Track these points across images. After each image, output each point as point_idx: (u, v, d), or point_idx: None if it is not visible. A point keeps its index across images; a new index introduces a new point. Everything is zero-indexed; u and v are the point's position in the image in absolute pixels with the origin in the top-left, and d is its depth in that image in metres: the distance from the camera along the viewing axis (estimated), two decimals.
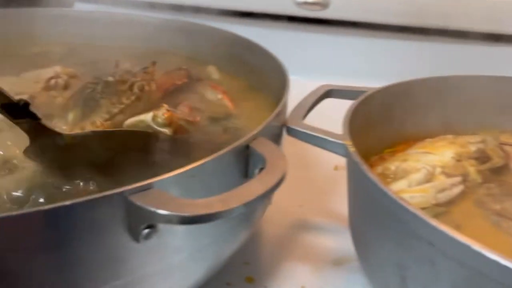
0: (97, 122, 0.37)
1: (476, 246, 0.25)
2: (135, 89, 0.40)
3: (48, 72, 0.49)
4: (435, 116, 0.51)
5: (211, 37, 0.58)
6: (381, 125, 0.48)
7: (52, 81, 0.48)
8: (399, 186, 0.42)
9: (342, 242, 0.48)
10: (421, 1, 0.72)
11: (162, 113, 0.36)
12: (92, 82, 0.42)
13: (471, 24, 0.71)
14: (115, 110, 0.38)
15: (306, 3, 0.74)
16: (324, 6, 0.74)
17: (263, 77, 0.51)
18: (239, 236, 0.37)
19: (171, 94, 0.49)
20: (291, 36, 0.77)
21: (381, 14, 0.74)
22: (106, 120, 0.38)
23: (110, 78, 0.42)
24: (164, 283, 0.30)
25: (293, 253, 0.47)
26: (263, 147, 0.32)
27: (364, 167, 0.32)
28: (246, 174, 0.33)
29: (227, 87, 0.52)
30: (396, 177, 0.44)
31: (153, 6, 0.77)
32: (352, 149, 0.35)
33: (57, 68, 0.49)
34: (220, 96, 0.49)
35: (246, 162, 0.32)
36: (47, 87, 0.47)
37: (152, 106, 0.42)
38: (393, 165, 0.45)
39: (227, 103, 0.48)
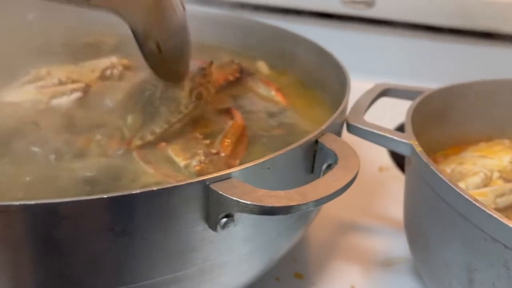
0: (156, 131, 0.36)
1: None
2: (193, 97, 0.39)
3: (105, 62, 0.50)
4: (490, 120, 0.50)
5: (262, 32, 0.58)
6: (435, 127, 0.48)
7: (108, 71, 0.49)
8: None
9: (391, 243, 0.48)
10: (469, 2, 0.70)
11: (193, 165, 0.34)
12: (150, 83, 0.41)
13: None
14: (174, 120, 0.37)
15: (352, 1, 0.73)
16: (369, 5, 0.73)
17: (314, 73, 0.51)
18: (299, 232, 0.37)
19: (223, 89, 0.49)
20: (340, 35, 0.77)
21: (427, 15, 0.73)
22: (165, 130, 0.37)
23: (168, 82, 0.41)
24: (232, 273, 0.30)
25: (341, 252, 0.47)
26: (332, 142, 0.32)
27: (434, 167, 0.31)
28: (312, 169, 0.33)
29: (277, 83, 0.52)
30: (453, 179, 0.44)
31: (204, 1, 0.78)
32: (419, 148, 0.34)
33: (113, 59, 0.50)
34: (273, 92, 0.49)
35: (313, 157, 0.32)
36: (103, 77, 0.48)
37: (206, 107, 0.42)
38: (449, 168, 0.44)
39: (281, 99, 0.48)
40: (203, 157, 0.35)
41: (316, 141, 0.32)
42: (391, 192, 0.56)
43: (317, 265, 0.45)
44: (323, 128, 0.32)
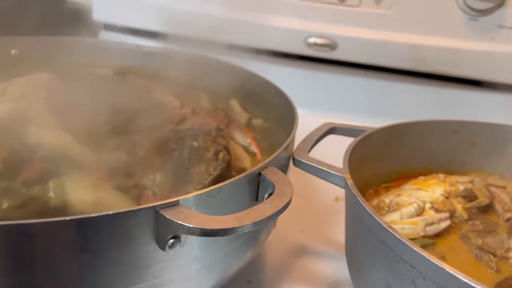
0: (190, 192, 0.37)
1: (450, 269, 0.29)
2: (220, 160, 0.41)
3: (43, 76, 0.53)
4: (429, 156, 0.56)
5: (228, 72, 0.63)
6: (378, 162, 0.53)
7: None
8: (392, 218, 0.47)
9: (338, 268, 0.52)
10: (422, 48, 0.77)
11: None
12: (175, 142, 0.42)
13: (469, 72, 0.77)
14: (206, 182, 0.40)
15: (316, 44, 0.80)
16: (333, 48, 0.80)
17: (273, 111, 0.57)
18: (247, 254, 0.41)
19: None
20: (300, 73, 0.83)
21: (385, 58, 0.80)
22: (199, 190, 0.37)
23: (195, 143, 0.43)
24: None
25: (293, 275, 0.51)
26: (272, 175, 0.36)
27: (360, 198, 0.36)
28: (256, 197, 0.38)
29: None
30: (390, 209, 0.49)
31: (169, 38, 0.83)
32: (350, 181, 0.39)
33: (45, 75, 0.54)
34: (248, 140, 0.51)
35: (257, 187, 0.37)
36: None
37: None
38: (387, 199, 0.50)
39: (255, 149, 0.51)
40: None
41: (259, 173, 0.37)
42: (343, 220, 0.61)
43: (271, 286, 0.49)
44: (266, 162, 0.37)
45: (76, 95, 0.49)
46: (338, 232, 0.59)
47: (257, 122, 0.57)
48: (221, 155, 0.42)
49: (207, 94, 0.59)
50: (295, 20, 0.79)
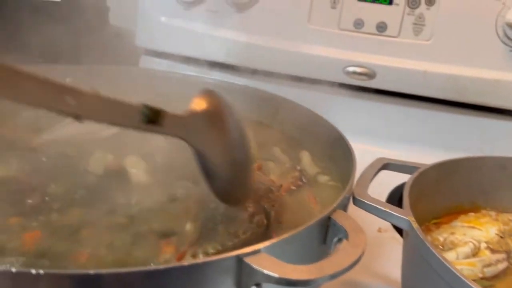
0: (209, 252, 0.36)
1: None
2: (254, 224, 0.39)
3: None
4: (477, 192, 0.56)
5: (273, 102, 0.65)
6: (429, 198, 0.53)
7: None
8: (449, 258, 0.47)
9: None
10: (462, 79, 0.78)
11: None
12: None
13: (509, 103, 0.77)
14: (229, 244, 0.37)
15: (354, 73, 0.81)
16: (371, 76, 0.81)
17: (324, 147, 0.57)
18: None
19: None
20: (344, 101, 0.84)
21: (424, 88, 0.80)
22: (219, 251, 0.36)
23: None
24: None
25: None
26: (342, 218, 0.37)
27: (429, 243, 0.37)
28: (324, 241, 0.38)
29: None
30: (444, 248, 0.49)
31: (209, 66, 0.85)
32: (416, 225, 0.40)
33: None
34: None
35: (326, 231, 0.38)
36: None
37: None
38: (441, 237, 0.50)
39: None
40: None
41: (329, 218, 0.37)
42: (389, 252, 0.61)
43: None
44: (335, 205, 0.38)
45: None
46: (386, 265, 0.59)
47: (323, 179, 0.53)
48: (256, 218, 0.40)
49: (280, 141, 0.57)
50: (335, 49, 0.80)
